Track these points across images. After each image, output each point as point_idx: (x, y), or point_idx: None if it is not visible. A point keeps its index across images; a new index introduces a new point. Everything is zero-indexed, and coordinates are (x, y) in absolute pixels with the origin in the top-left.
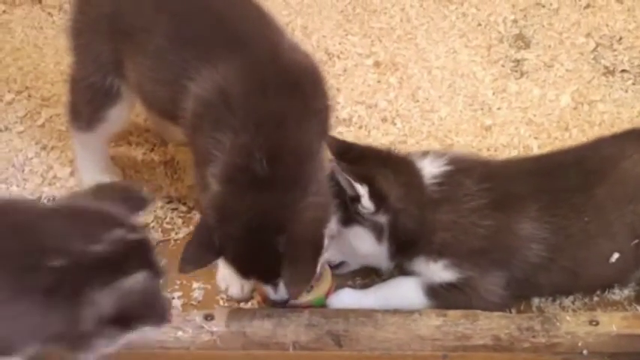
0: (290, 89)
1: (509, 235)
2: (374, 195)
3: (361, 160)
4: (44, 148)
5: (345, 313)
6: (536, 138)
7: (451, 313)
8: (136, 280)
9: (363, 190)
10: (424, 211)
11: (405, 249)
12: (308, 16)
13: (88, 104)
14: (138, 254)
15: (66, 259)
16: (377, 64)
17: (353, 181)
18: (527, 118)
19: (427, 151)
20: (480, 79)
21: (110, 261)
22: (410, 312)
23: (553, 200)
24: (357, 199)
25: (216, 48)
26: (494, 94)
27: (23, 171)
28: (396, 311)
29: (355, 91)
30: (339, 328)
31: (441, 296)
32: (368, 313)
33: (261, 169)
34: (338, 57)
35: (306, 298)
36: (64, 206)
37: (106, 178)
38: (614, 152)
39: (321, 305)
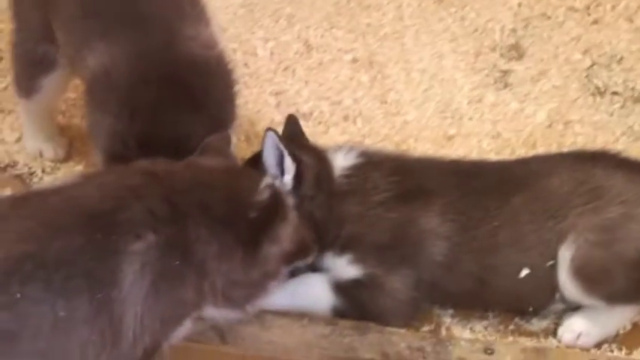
0: (173, 81)
1: (413, 229)
2: (295, 176)
3: (297, 142)
4: (2, 111)
5: None
6: (497, 153)
7: (341, 322)
8: (295, 216)
9: (292, 167)
10: (332, 201)
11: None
12: (298, 5)
13: (24, 72)
14: (283, 196)
15: (254, 211)
16: (354, 60)
17: (287, 156)
18: (496, 131)
19: (340, 145)
20: (459, 86)
21: (276, 200)
22: (300, 316)
23: (462, 197)
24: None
25: (115, 25)
26: (468, 103)
27: None
28: (286, 314)
29: (323, 86)
30: (224, 323)
31: (348, 294)
32: (257, 312)
33: (135, 157)
34: (317, 50)
35: None
36: (222, 165)
37: (49, 147)
38: (544, 167)
39: None
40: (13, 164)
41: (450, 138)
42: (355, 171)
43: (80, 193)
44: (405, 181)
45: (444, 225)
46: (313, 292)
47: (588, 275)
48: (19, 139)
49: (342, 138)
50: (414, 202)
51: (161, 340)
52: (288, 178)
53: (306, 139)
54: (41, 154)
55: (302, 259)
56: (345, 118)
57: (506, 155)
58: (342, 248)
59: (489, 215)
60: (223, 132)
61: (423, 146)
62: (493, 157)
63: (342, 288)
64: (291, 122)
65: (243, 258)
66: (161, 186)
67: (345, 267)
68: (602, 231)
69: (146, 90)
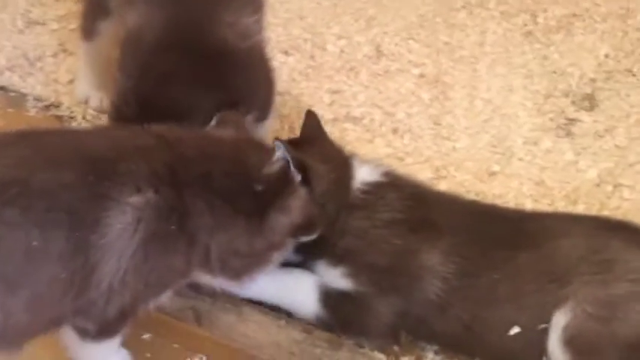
0: (195, 60)
1: (414, 261)
2: (302, 182)
3: (315, 145)
4: (65, 50)
5: (216, 295)
6: (535, 201)
7: (317, 332)
8: (304, 191)
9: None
10: (340, 212)
11: (310, 246)
12: (383, 9)
13: (87, 14)
14: (291, 171)
15: (261, 184)
16: (421, 75)
17: (292, 164)
18: (540, 178)
19: (370, 160)
20: (519, 124)
21: (286, 173)
22: (279, 317)
23: (470, 242)
24: None
25: None
26: (523, 143)
27: (33, 65)
28: (265, 311)
29: (382, 95)
30: (203, 306)
31: (333, 304)
32: (237, 302)
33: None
34: (387, 57)
35: None
36: (234, 138)
37: (96, 96)
38: (560, 227)
39: None
40: (58, 104)
41: (492, 174)
42: (374, 188)
43: (88, 139)
44: (418, 208)
45: (446, 265)
46: (300, 293)
47: (579, 347)
48: (70, 82)
49: (385, 150)
50: (422, 234)
51: (141, 303)
52: None
53: (328, 140)
54: (87, 101)
55: (308, 234)
56: (394, 130)
57: (544, 205)
58: (338, 260)
59: (493, 266)
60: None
61: (462, 177)
62: (529, 203)
63: (329, 297)
64: (311, 119)
65: (247, 227)
66: (169, 151)
67: (337, 278)
68: (604, 305)
69: (165, 59)
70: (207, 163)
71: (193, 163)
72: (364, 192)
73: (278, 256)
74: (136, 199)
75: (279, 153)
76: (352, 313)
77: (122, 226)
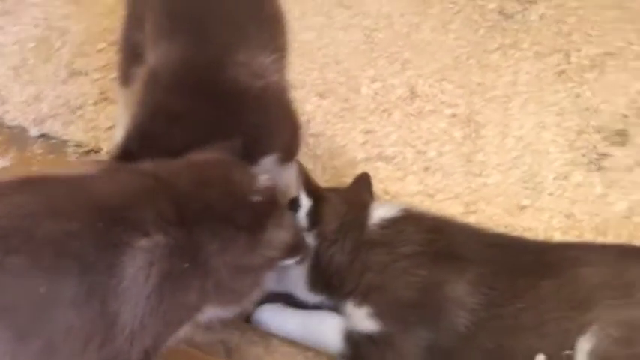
0: (205, 99)
1: (440, 292)
2: (312, 213)
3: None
4: (105, 99)
5: (244, 328)
6: (564, 233)
7: None
8: (289, 213)
9: (305, 202)
10: (359, 249)
11: (330, 285)
12: (418, 52)
13: (123, 60)
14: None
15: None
16: (453, 115)
17: (302, 191)
18: (570, 211)
19: (389, 202)
20: (551, 160)
21: (274, 199)
22: (306, 348)
23: (494, 272)
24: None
25: (181, 28)
26: (554, 178)
27: (74, 113)
28: (293, 343)
29: (414, 134)
30: (232, 339)
31: (357, 346)
32: (264, 335)
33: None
34: (421, 98)
35: None
36: (218, 159)
37: None
38: (580, 255)
39: None
40: (97, 150)
41: (523, 208)
42: (392, 223)
43: (94, 185)
44: (441, 241)
45: (473, 296)
46: (325, 331)
47: None
48: (110, 128)
49: (416, 188)
50: (446, 265)
51: (162, 342)
52: (302, 214)
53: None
54: None
55: (294, 255)
56: (426, 169)
57: (572, 237)
58: (363, 299)
59: (517, 295)
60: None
61: (492, 211)
62: (558, 236)
63: (353, 338)
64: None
65: (247, 242)
66: (169, 190)
67: (362, 319)
68: (628, 328)
69: (175, 98)
70: (206, 192)
71: (193, 196)
72: (382, 227)
73: (267, 279)
74: (144, 243)
75: (269, 175)
76: (377, 355)
77: (136, 269)
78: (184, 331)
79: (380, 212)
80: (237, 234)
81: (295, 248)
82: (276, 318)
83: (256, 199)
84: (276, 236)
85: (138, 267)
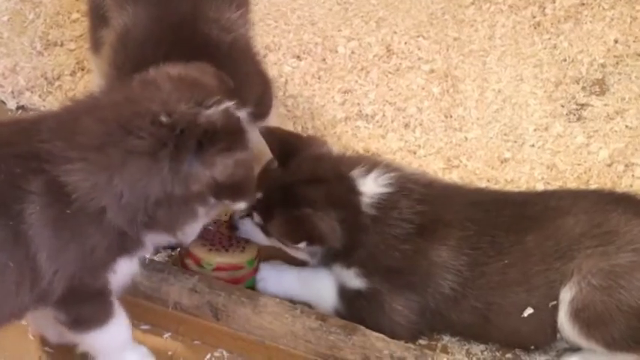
0: (179, 53)
1: (424, 259)
2: (313, 241)
3: (312, 179)
4: (82, 69)
5: (230, 289)
6: (546, 184)
7: (331, 319)
8: (247, 155)
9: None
10: (357, 235)
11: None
12: (392, 10)
13: (91, 26)
14: (244, 131)
15: (175, 118)
16: (431, 71)
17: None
18: (552, 162)
19: (372, 167)
20: (530, 112)
21: (227, 130)
22: (293, 307)
23: (477, 233)
24: None
25: None
26: (534, 130)
27: (52, 84)
28: (280, 301)
29: (393, 92)
30: (219, 301)
31: (350, 301)
32: (252, 295)
33: None
34: (397, 55)
35: (240, 258)
36: (179, 73)
37: None
38: (562, 205)
39: (253, 267)
40: None
41: (504, 161)
42: (384, 201)
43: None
44: (428, 212)
45: (456, 259)
46: (321, 288)
47: (587, 319)
48: None
49: (397, 145)
50: (431, 235)
51: (90, 281)
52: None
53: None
54: None
55: (233, 200)
56: (406, 125)
57: (554, 186)
58: (351, 263)
59: (502, 252)
60: None
61: (474, 165)
62: (541, 187)
63: (346, 293)
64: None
65: (161, 172)
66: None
67: (351, 278)
68: (608, 276)
69: (151, 52)
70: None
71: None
72: (375, 206)
73: (203, 212)
74: (35, 186)
75: (232, 105)
76: (367, 312)
77: (35, 214)
78: (131, 268)
79: (369, 187)
80: (151, 162)
81: (235, 192)
82: (273, 275)
83: (165, 119)
84: (203, 174)
85: (36, 211)
